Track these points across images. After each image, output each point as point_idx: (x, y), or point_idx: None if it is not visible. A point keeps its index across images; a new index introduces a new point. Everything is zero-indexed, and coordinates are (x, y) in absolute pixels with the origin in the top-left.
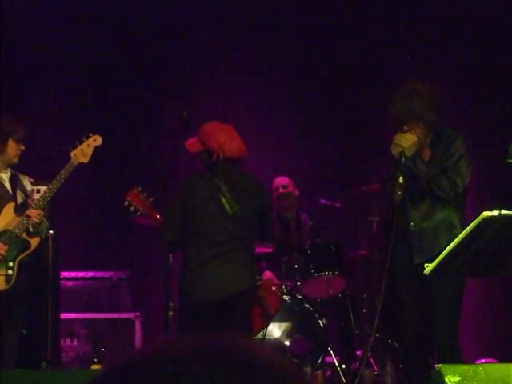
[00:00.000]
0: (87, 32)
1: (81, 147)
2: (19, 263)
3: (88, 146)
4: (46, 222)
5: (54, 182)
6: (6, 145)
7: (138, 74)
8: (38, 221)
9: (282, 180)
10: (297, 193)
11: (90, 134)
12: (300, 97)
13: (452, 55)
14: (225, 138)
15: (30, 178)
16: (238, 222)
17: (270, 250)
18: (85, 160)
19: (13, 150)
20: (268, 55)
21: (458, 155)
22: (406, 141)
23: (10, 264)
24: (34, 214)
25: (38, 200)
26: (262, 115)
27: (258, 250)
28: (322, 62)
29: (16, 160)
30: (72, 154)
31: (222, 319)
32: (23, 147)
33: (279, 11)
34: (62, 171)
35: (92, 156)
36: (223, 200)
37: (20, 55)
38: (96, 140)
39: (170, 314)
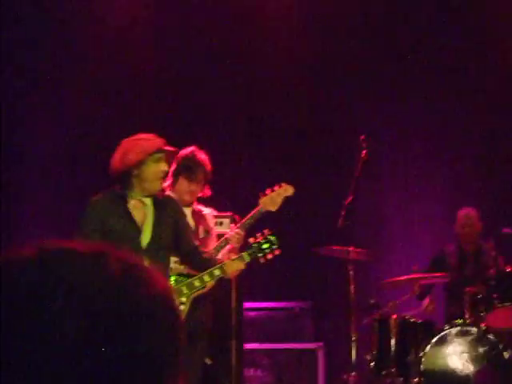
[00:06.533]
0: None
1: (271, 195)
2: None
3: (278, 195)
4: None
5: (239, 226)
6: (176, 180)
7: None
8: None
9: (467, 214)
10: (480, 227)
11: (282, 184)
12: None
13: None
14: None
15: (214, 209)
16: None
17: (446, 280)
18: (273, 209)
19: (181, 187)
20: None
21: None
22: None
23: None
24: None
25: (217, 245)
26: None
27: (434, 280)
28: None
29: (187, 199)
30: (261, 201)
31: None
32: (194, 187)
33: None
34: (249, 217)
35: (281, 205)
36: None
37: None
38: (287, 190)
39: (353, 344)
